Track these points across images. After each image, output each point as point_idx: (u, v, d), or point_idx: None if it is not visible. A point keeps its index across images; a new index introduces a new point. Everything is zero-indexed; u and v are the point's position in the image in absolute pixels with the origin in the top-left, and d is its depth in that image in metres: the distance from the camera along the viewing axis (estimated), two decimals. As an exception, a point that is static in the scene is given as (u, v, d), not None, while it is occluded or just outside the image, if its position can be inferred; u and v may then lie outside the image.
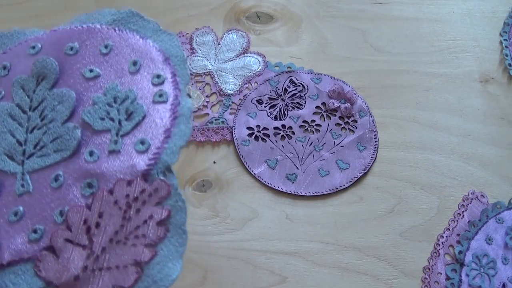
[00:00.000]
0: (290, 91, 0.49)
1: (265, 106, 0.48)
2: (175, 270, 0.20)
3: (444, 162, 0.45)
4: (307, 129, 0.47)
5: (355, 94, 0.49)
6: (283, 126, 0.47)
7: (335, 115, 0.48)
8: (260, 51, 0.52)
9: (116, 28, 0.24)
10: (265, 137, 0.46)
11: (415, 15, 0.55)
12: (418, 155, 0.46)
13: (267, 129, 0.47)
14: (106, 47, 0.23)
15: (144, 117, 0.22)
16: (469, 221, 0.42)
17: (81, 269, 0.19)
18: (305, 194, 0.44)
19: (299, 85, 0.49)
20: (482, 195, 0.44)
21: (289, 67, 0.51)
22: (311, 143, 0.46)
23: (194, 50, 0.52)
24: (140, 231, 0.20)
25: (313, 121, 0.48)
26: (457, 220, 0.42)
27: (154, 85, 0.22)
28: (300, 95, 0.49)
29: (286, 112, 0.48)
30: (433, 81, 0.50)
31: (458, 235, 0.42)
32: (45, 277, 0.19)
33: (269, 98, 0.49)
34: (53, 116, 0.22)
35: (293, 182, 0.44)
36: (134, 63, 0.23)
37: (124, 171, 0.21)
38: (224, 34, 0.53)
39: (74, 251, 0.19)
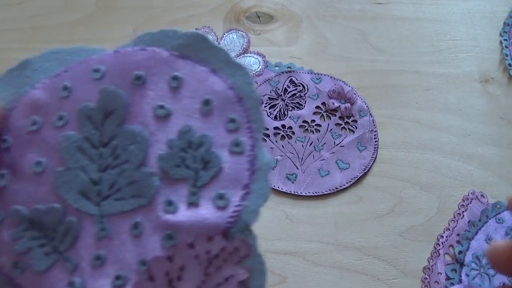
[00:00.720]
0: (290, 91, 0.49)
1: (265, 106, 0.48)
2: None
3: (444, 162, 0.45)
4: (307, 129, 0.47)
5: (355, 94, 0.49)
6: (283, 126, 0.47)
7: (335, 115, 0.48)
8: (260, 51, 0.52)
9: (185, 56, 0.22)
10: (265, 137, 0.46)
11: (415, 15, 0.55)
12: (418, 155, 0.46)
13: (267, 129, 0.47)
14: (175, 79, 0.22)
15: (221, 169, 0.21)
16: (469, 221, 0.42)
17: None
18: (305, 194, 0.44)
19: (299, 85, 0.49)
20: (482, 195, 0.44)
21: (289, 67, 0.51)
22: (311, 143, 0.46)
23: (194, 50, 0.52)
24: None
25: (313, 121, 0.48)
26: (457, 220, 0.42)
27: (229, 131, 0.21)
28: (300, 95, 0.49)
29: (286, 112, 0.48)
30: (433, 81, 0.50)
31: (458, 235, 0.42)
32: None
33: (269, 98, 0.49)
34: (126, 157, 0.21)
35: (293, 182, 0.44)
36: (207, 103, 0.21)
37: (203, 226, 0.20)
38: (224, 34, 0.53)
39: None
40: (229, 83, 0.22)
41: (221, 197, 0.20)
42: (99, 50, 0.23)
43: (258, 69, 0.50)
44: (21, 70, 0.23)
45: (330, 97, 0.49)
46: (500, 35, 0.54)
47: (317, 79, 0.50)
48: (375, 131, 0.47)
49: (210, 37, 0.52)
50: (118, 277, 0.20)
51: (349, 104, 0.48)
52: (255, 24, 0.54)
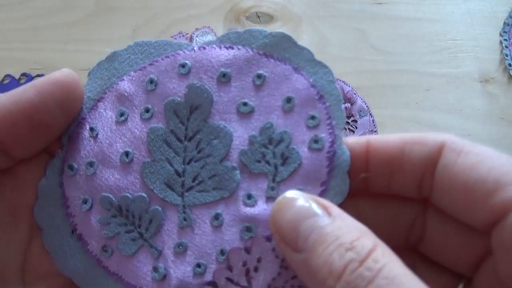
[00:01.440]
0: (290, 91, 0.49)
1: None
2: None
3: (444, 162, 0.45)
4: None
5: (355, 94, 0.49)
6: (283, 126, 0.47)
7: (335, 115, 0.48)
8: (260, 51, 0.52)
9: (268, 55, 0.22)
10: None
11: (415, 15, 0.55)
12: (418, 155, 0.46)
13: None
14: (259, 77, 0.22)
15: (300, 165, 0.21)
16: (469, 221, 0.42)
17: None
18: (305, 194, 0.44)
19: (299, 85, 0.49)
20: (482, 195, 0.44)
21: (289, 67, 0.51)
22: (311, 143, 0.46)
23: (194, 50, 0.52)
24: (296, 281, 0.20)
25: (313, 121, 0.48)
26: (457, 220, 0.42)
27: (309, 128, 0.21)
28: (300, 95, 0.49)
29: (286, 112, 0.48)
30: (433, 81, 0.50)
31: (458, 235, 0.42)
32: None
33: (269, 98, 0.49)
34: (210, 151, 0.22)
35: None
36: (288, 100, 0.22)
37: None
38: (224, 34, 0.53)
39: None
40: (311, 81, 0.22)
41: None
42: (184, 45, 0.23)
43: (258, 69, 0.50)
44: (109, 63, 0.24)
45: (330, 97, 0.49)
46: (500, 35, 0.54)
47: (317, 79, 0.50)
48: (375, 131, 0.47)
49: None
50: (198, 265, 0.21)
51: (349, 104, 0.48)
52: (255, 24, 0.54)
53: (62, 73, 0.22)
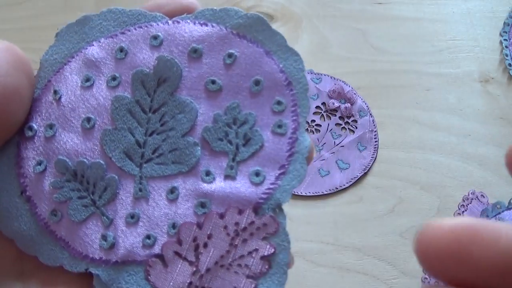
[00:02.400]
0: (290, 91, 0.49)
1: (265, 106, 0.48)
2: None
3: (444, 162, 0.45)
4: (307, 129, 0.47)
5: (355, 94, 0.49)
6: (283, 126, 0.47)
7: (335, 115, 0.48)
8: (260, 51, 0.52)
9: (241, 35, 0.22)
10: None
11: (415, 15, 0.55)
12: (418, 155, 0.46)
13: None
14: (230, 56, 0.22)
15: (261, 147, 0.21)
16: (469, 221, 0.42)
17: (187, 284, 0.20)
18: (305, 194, 0.44)
19: (299, 85, 0.49)
20: (482, 195, 0.44)
21: (289, 67, 0.51)
22: (311, 143, 0.46)
23: (194, 50, 0.52)
24: (244, 261, 0.20)
25: (313, 121, 0.48)
26: (457, 220, 0.42)
27: (274, 112, 0.22)
28: (300, 95, 0.49)
29: (286, 112, 0.48)
30: (433, 81, 0.50)
31: (458, 235, 0.42)
32: (154, 282, 0.20)
33: (269, 98, 0.49)
34: (173, 125, 0.22)
35: (293, 182, 0.44)
36: (257, 83, 0.22)
37: (236, 198, 0.21)
38: (224, 34, 0.53)
39: (182, 265, 0.20)
40: (280, 66, 0.22)
41: (257, 173, 0.21)
42: (159, 17, 0.23)
43: (258, 69, 0.50)
44: (79, 26, 0.24)
45: (330, 97, 0.49)
46: (500, 35, 0.54)
47: (317, 79, 0.50)
48: (375, 131, 0.47)
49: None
50: (148, 236, 0.21)
51: (349, 104, 0.48)
52: (255, 24, 0.54)
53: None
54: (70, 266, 0.21)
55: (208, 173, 0.21)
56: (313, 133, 0.47)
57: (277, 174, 0.21)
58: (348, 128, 0.47)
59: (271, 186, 0.21)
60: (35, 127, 0.22)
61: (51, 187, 0.22)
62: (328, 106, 0.48)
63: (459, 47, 0.53)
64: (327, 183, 0.44)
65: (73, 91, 0.23)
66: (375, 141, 0.46)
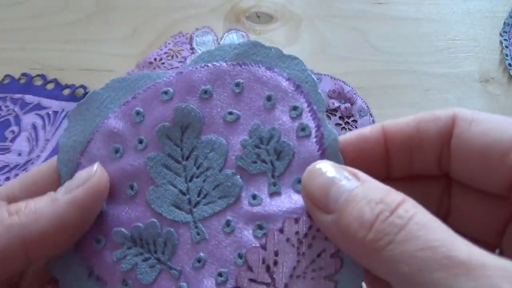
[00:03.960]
0: (290, 91, 0.49)
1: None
2: None
3: (444, 162, 0.45)
4: (307, 129, 0.47)
5: (355, 94, 0.49)
6: (283, 126, 0.47)
7: (335, 115, 0.48)
8: (260, 51, 0.52)
9: (242, 63, 0.24)
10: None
11: (415, 15, 0.55)
12: (418, 155, 0.46)
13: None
14: (237, 85, 0.23)
15: (293, 155, 0.22)
16: (469, 221, 0.42)
17: None
18: (305, 194, 0.44)
19: (299, 85, 0.49)
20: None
21: (289, 67, 0.51)
22: (311, 143, 0.46)
23: (194, 50, 0.52)
24: (316, 265, 0.21)
25: (313, 121, 0.48)
26: (457, 220, 0.42)
27: (293, 118, 0.23)
28: (300, 95, 0.49)
29: (286, 112, 0.48)
30: (433, 81, 0.50)
31: (458, 235, 0.42)
32: None
33: (269, 98, 0.49)
34: (208, 164, 0.23)
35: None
36: (269, 98, 0.23)
37: (288, 210, 0.22)
38: (224, 34, 0.53)
39: None
40: (285, 75, 0.24)
41: (299, 181, 0.22)
42: (162, 73, 0.24)
43: (258, 69, 0.50)
44: (89, 104, 0.24)
45: (330, 97, 0.49)
46: (500, 35, 0.54)
47: (317, 79, 0.50)
48: (375, 131, 0.47)
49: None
50: (220, 274, 0.22)
51: (349, 104, 0.48)
52: (255, 24, 0.54)
53: (97, 181, 0.22)
54: None
55: (254, 197, 0.22)
56: (313, 133, 0.47)
57: None
58: (348, 128, 0.47)
59: None
60: None
61: (115, 259, 0.22)
62: (328, 106, 0.48)
63: (459, 47, 0.53)
64: (327, 183, 0.44)
65: (107, 166, 0.23)
66: (375, 141, 0.46)
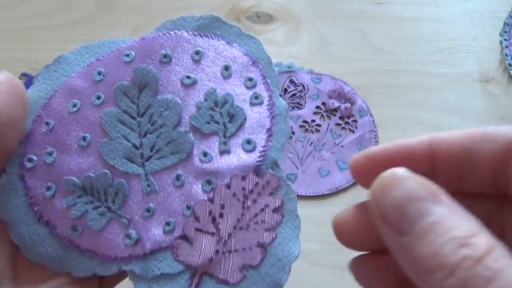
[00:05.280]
0: (290, 91, 0.49)
1: (265, 106, 0.48)
2: (296, 248, 0.24)
3: (444, 162, 0.45)
4: (307, 129, 0.47)
5: (355, 94, 0.49)
6: (283, 126, 0.47)
7: (335, 115, 0.48)
8: (260, 51, 0.52)
9: (203, 34, 0.26)
10: (265, 137, 0.47)
11: (415, 15, 0.55)
12: (418, 155, 0.46)
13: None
14: (197, 53, 0.25)
15: (245, 119, 0.24)
16: (469, 221, 0.42)
17: (213, 252, 0.22)
18: (305, 194, 0.44)
19: (299, 85, 0.49)
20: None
21: (289, 67, 0.51)
22: (311, 143, 0.46)
23: (194, 50, 0.52)
24: (259, 218, 0.23)
25: (313, 121, 0.48)
26: (457, 220, 0.42)
27: (248, 88, 0.24)
28: (300, 95, 0.49)
29: (286, 112, 0.48)
30: (433, 81, 0.50)
31: (458, 235, 0.41)
32: (183, 261, 0.22)
33: (269, 98, 0.49)
34: (162, 122, 0.24)
35: (293, 182, 0.44)
36: (226, 68, 0.25)
37: (236, 168, 0.23)
38: (224, 34, 0.53)
39: (204, 238, 0.22)
40: (243, 50, 0.25)
41: (248, 142, 0.24)
42: (127, 40, 0.26)
43: (258, 69, 0.50)
44: (56, 65, 0.26)
45: (330, 97, 0.49)
46: (500, 35, 0.54)
47: (317, 79, 0.50)
48: (375, 131, 0.47)
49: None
50: (167, 223, 0.23)
51: (349, 104, 0.48)
52: (255, 24, 0.54)
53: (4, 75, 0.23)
54: (103, 271, 0.22)
55: (205, 154, 0.24)
56: (313, 133, 0.47)
57: (265, 137, 0.24)
58: (348, 128, 0.47)
59: (263, 148, 0.23)
60: (35, 157, 0.24)
61: (65, 205, 0.23)
62: (328, 106, 0.48)
63: (459, 47, 0.53)
64: (327, 183, 0.44)
65: (63, 118, 0.24)
66: (375, 141, 0.46)
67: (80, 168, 0.24)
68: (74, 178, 0.23)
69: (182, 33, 0.26)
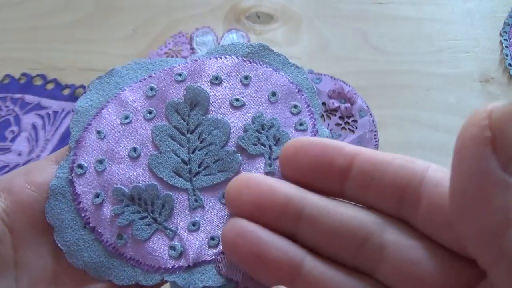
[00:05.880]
0: (290, 91, 0.49)
1: (265, 106, 0.48)
2: None
3: (445, 163, 0.45)
4: (307, 129, 0.47)
5: (355, 94, 0.49)
6: (283, 126, 0.47)
7: (335, 115, 0.48)
8: (260, 51, 0.52)
9: (252, 61, 0.27)
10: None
11: (415, 15, 0.55)
12: (418, 155, 0.45)
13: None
14: (246, 78, 0.26)
15: None
16: (469, 221, 0.42)
17: None
18: (305, 194, 0.44)
19: (299, 85, 0.49)
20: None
21: (289, 67, 0.51)
22: (311, 143, 0.46)
23: (194, 50, 0.52)
24: None
25: (313, 121, 0.48)
26: (457, 220, 0.42)
27: (293, 114, 0.26)
28: (300, 95, 0.49)
29: (286, 112, 0.48)
30: (433, 81, 0.50)
31: (458, 235, 0.41)
32: (226, 275, 0.23)
33: (269, 98, 0.49)
34: (211, 140, 0.25)
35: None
36: (273, 94, 0.26)
37: None
38: (224, 34, 0.53)
39: None
40: (289, 78, 0.26)
41: None
42: (179, 60, 0.27)
43: (258, 69, 0.50)
44: (109, 78, 0.26)
45: (330, 97, 0.49)
46: (500, 35, 0.54)
47: (317, 79, 0.50)
48: (375, 131, 0.47)
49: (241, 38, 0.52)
50: (212, 238, 0.24)
51: (349, 104, 0.48)
52: (255, 24, 0.54)
53: None
54: (146, 280, 0.23)
55: None
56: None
57: None
58: (348, 128, 0.47)
59: None
60: (85, 164, 0.24)
61: (112, 214, 0.24)
62: (328, 106, 0.48)
63: (459, 47, 0.53)
64: (327, 183, 0.44)
65: (115, 128, 0.25)
66: (375, 141, 0.46)
67: (129, 178, 0.24)
68: (123, 187, 0.24)
69: (232, 58, 0.27)
